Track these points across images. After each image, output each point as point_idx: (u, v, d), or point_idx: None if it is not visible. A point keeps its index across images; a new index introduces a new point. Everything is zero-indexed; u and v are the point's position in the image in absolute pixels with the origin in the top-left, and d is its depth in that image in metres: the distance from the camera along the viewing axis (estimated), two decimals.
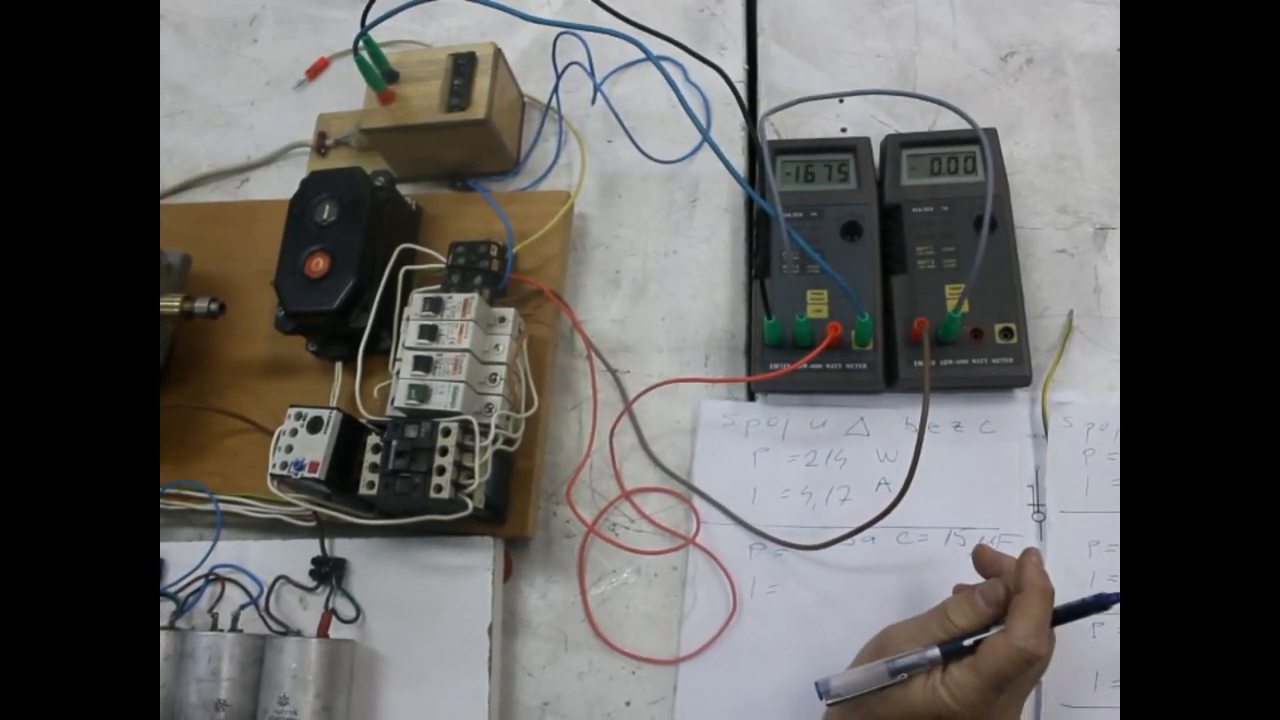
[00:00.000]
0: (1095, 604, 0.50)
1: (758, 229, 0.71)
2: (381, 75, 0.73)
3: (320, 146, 0.83)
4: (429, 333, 0.62)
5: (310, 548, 0.68)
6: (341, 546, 0.68)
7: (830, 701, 0.52)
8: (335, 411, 0.61)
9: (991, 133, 0.69)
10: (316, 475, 0.59)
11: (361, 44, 0.68)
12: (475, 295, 0.63)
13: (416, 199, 0.75)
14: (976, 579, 0.55)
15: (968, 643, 0.50)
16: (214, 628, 0.65)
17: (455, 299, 0.63)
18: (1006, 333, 0.64)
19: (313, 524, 0.67)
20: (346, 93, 0.87)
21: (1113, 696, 0.58)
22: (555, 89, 0.78)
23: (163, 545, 0.71)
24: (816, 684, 0.52)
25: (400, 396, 0.61)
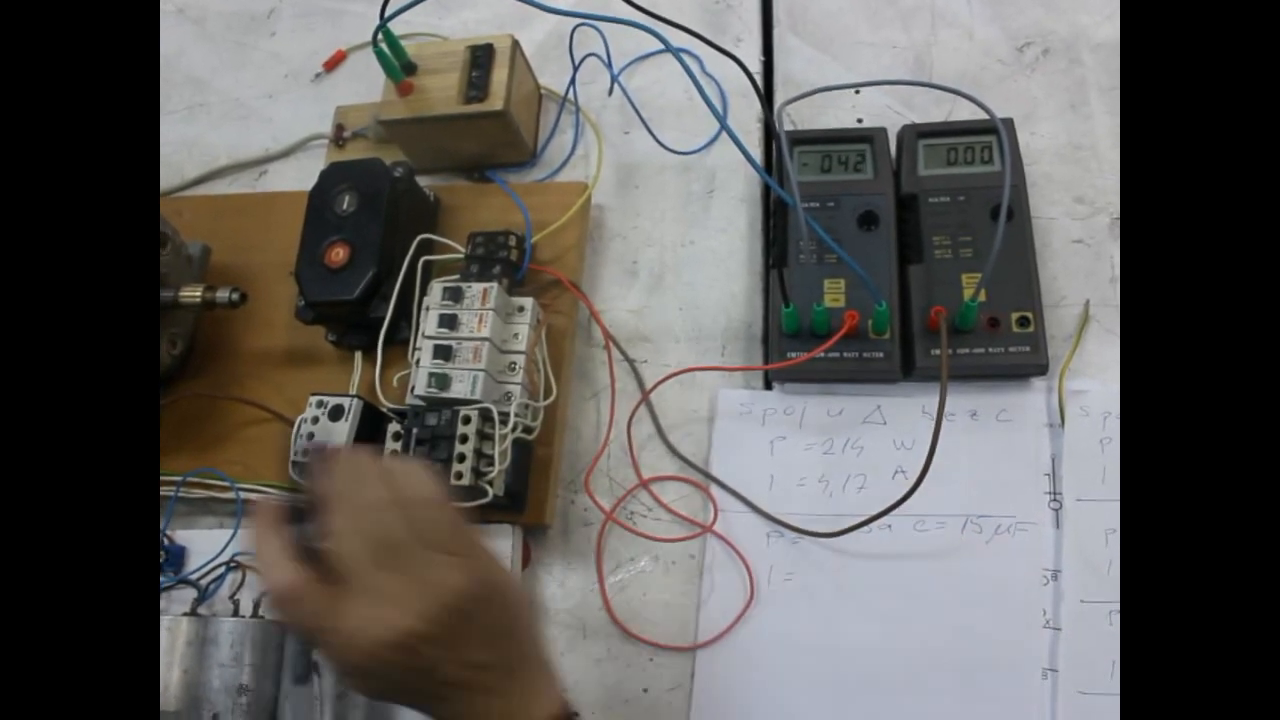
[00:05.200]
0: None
1: (775, 218, 0.71)
2: (400, 67, 0.73)
3: (338, 138, 0.83)
4: (449, 321, 0.63)
5: None
6: None
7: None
8: (356, 399, 0.61)
9: (1008, 123, 0.69)
10: None
11: (380, 36, 0.69)
12: (494, 285, 0.64)
13: (434, 190, 0.76)
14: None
15: None
16: (235, 614, 0.66)
17: (475, 288, 0.64)
18: (1023, 321, 0.64)
19: None
20: (364, 85, 0.87)
21: None
22: (572, 80, 0.79)
23: (184, 533, 0.71)
24: None
25: (420, 385, 0.61)
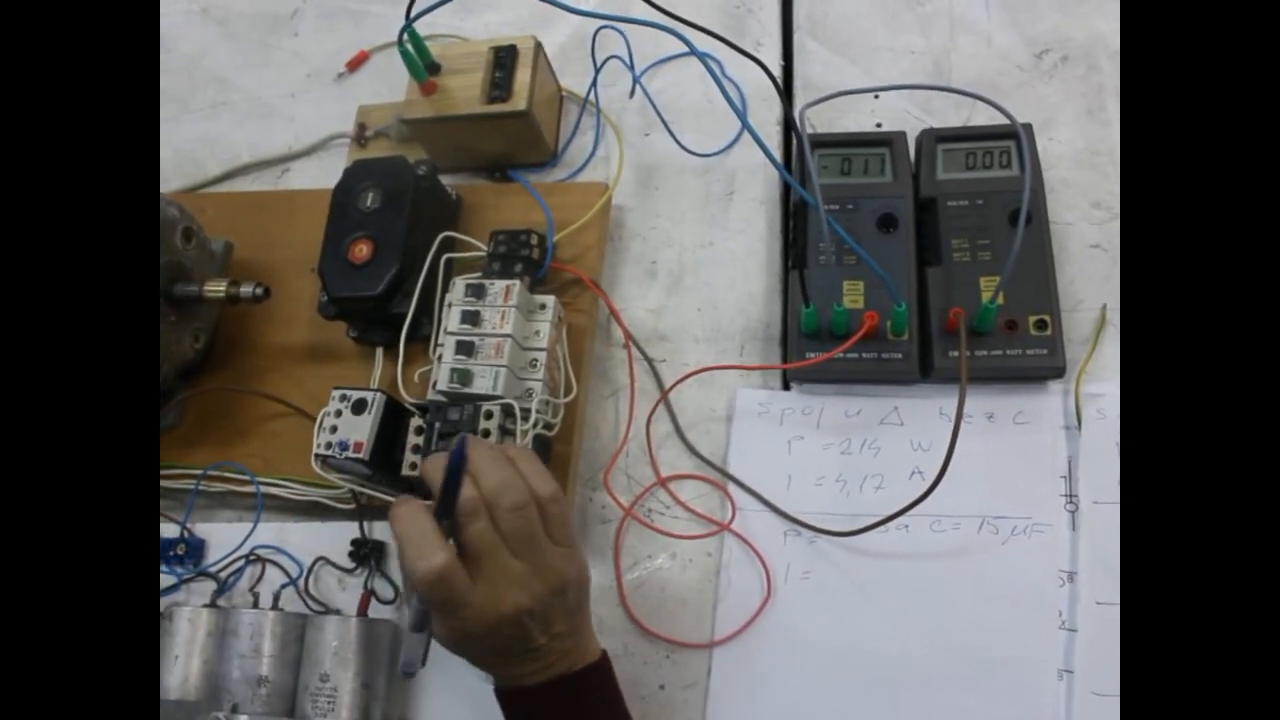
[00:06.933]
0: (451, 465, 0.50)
1: (795, 220, 0.72)
2: (424, 67, 0.74)
3: (360, 137, 0.84)
4: (471, 318, 0.63)
5: (349, 530, 0.69)
6: (380, 529, 0.69)
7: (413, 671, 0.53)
8: (379, 393, 0.62)
9: (1027, 128, 0.70)
10: (360, 455, 0.60)
11: (406, 36, 0.70)
12: (517, 282, 0.64)
13: (456, 189, 0.77)
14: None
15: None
16: (255, 606, 0.67)
17: (497, 285, 0.64)
18: (1041, 324, 0.64)
19: (352, 507, 0.68)
20: (386, 85, 0.88)
21: None
22: (594, 82, 0.79)
23: (204, 526, 0.72)
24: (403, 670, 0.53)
25: (443, 380, 0.62)
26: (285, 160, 0.88)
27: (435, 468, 0.52)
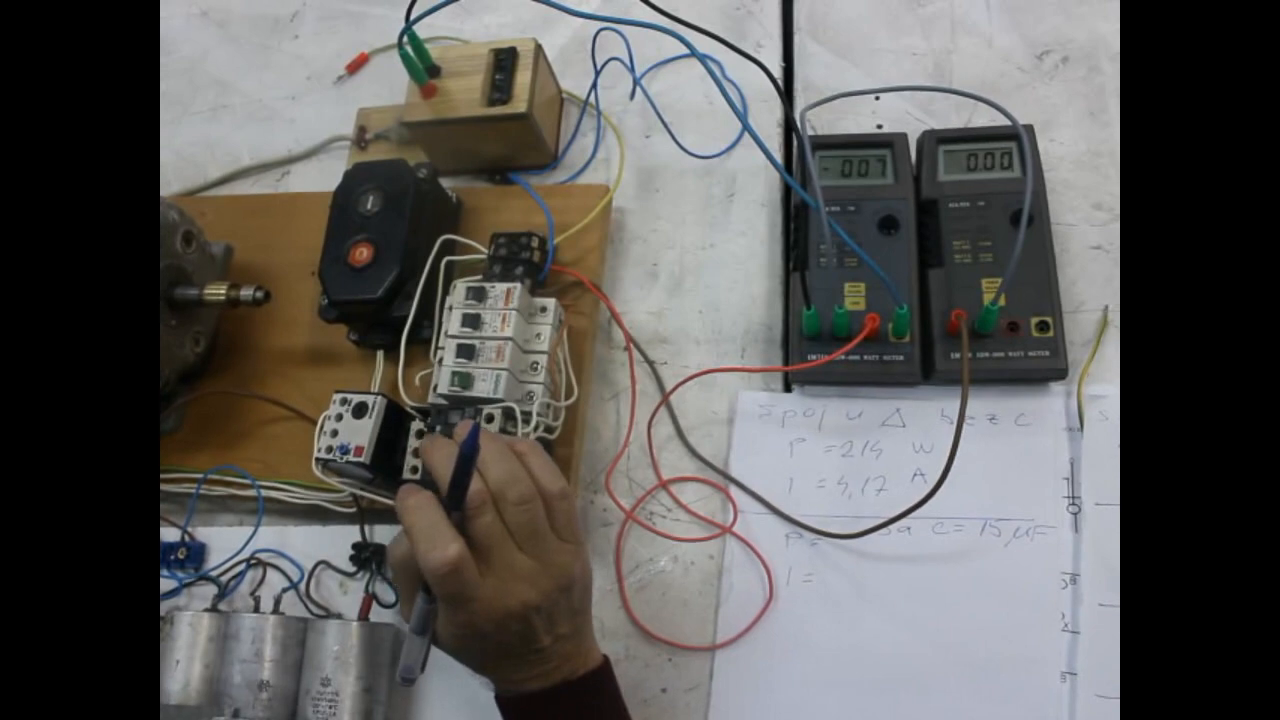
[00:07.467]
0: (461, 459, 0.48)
1: (796, 222, 0.72)
2: (424, 70, 0.74)
3: (360, 140, 0.84)
4: (472, 321, 0.63)
5: (350, 534, 0.69)
6: (381, 533, 0.69)
7: (412, 678, 0.52)
8: (380, 397, 0.62)
9: (1029, 129, 0.70)
10: (361, 459, 0.60)
11: (405, 39, 0.70)
12: (518, 285, 0.64)
13: (456, 192, 0.76)
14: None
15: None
16: (255, 610, 0.66)
17: (498, 288, 0.64)
18: (1043, 326, 0.64)
19: (352, 510, 0.68)
20: (386, 88, 0.88)
21: None
22: (595, 84, 0.79)
23: (204, 530, 0.72)
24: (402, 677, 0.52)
25: (444, 383, 0.62)
26: (285, 163, 0.88)
27: (441, 455, 0.52)
